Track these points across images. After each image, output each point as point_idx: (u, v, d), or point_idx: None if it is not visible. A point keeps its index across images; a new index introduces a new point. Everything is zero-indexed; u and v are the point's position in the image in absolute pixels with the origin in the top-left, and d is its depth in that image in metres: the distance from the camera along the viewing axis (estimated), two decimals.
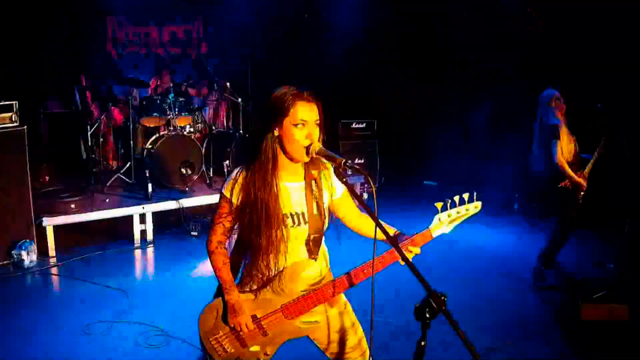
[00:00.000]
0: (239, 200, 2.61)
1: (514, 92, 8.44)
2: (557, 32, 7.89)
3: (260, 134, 2.58)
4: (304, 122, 2.49)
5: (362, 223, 2.84)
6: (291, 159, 2.59)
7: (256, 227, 2.56)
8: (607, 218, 6.71)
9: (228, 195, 2.62)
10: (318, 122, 2.54)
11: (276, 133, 2.54)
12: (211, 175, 8.24)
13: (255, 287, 2.71)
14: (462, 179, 8.51)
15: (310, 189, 2.66)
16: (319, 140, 2.53)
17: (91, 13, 9.29)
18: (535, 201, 7.81)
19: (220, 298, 2.70)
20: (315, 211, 2.66)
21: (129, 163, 8.08)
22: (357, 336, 2.84)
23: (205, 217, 7.51)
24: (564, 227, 5.60)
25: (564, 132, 5.45)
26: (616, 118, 5.39)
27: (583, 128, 5.61)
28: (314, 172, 2.68)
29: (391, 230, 2.67)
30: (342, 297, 2.85)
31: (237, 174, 2.62)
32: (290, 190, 2.64)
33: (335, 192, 2.75)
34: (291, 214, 2.62)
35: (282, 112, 2.50)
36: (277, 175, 2.59)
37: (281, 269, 2.64)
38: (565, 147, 5.45)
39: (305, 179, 2.67)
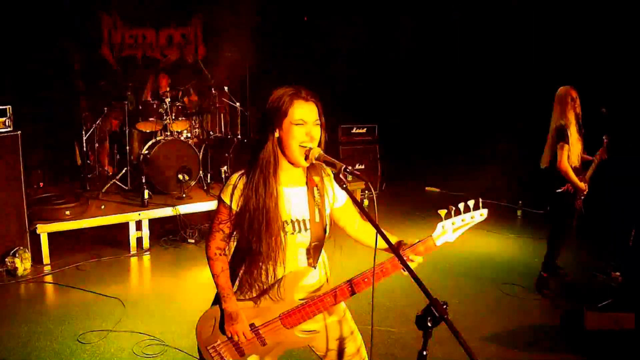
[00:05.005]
0: (238, 206, 2.55)
1: (518, 95, 8.40)
2: (563, 34, 7.85)
3: (261, 138, 2.54)
4: (303, 121, 2.45)
5: (364, 233, 2.78)
6: (292, 164, 2.54)
7: (256, 233, 2.50)
8: (609, 223, 6.65)
9: (227, 201, 2.57)
10: (318, 122, 2.50)
11: (277, 135, 2.49)
12: (208, 181, 8.19)
13: (253, 294, 2.65)
14: (465, 185, 8.47)
15: (312, 196, 2.62)
16: (321, 141, 2.50)
17: (87, 15, 9.25)
18: (538, 204, 7.78)
19: (219, 306, 2.65)
20: (317, 218, 2.60)
21: (124, 169, 8.04)
22: (356, 344, 2.79)
23: (202, 224, 7.44)
24: (561, 232, 5.53)
25: (573, 135, 5.34)
26: (621, 122, 5.31)
27: (588, 132, 5.52)
28: (316, 178, 2.63)
29: (393, 239, 2.59)
30: (341, 305, 2.79)
31: (236, 179, 2.57)
32: (291, 196, 2.59)
33: (337, 199, 2.71)
34: (292, 221, 2.57)
35: (280, 112, 2.46)
36: (278, 180, 2.53)
37: (280, 276, 2.59)
38: (573, 151, 5.34)
39: (306, 184, 2.63)
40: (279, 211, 2.52)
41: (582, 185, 5.38)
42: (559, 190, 5.39)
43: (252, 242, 2.52)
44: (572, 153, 5.32)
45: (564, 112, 5.36)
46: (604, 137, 5.49)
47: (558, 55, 7.96)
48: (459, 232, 2.53)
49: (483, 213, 2.53)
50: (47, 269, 6.32)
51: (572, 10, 7.75)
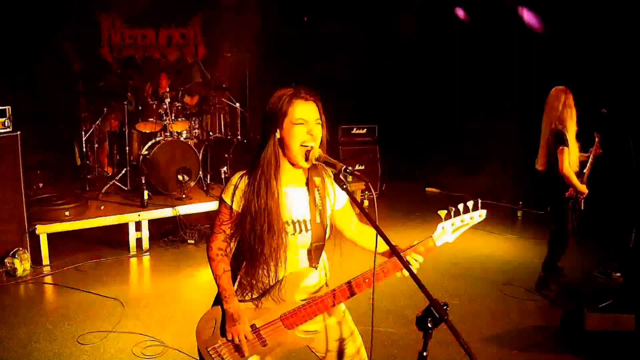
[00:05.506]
0: (240, 207, 2.55)
1: (518, 96, 8.39)
2: (561, 34, 7.84)
3: (262, 138, 2.55)
4: (303, 120, 2.46)
5: (361, 235, 2.80)
6: (293, 164, 2.54)
7: (258, 234, 2.51)
8: (609, 224, 6.64)
9: (228, 202, 2.57)
10: (319, 120, 2.51)
11: (278, 135, 2.50)
12: (208, 181, 8.17)
13: (254, 295, 2.65)
14: (465, 185, 8.48)
15: (313, 197, 2.61)
16: (322, 140, 2.51)
17: (87, 16, 9.24)
18: (538, 205, 7.76)
19: (219, 306, 2.64)
20: (317, 220, 2.60)
21: (124, 169, 8.02)
22: (355, 345, 2.79)
23: (202, 224, 7.43)
24: (563, 234, 5.51)
25: (571, 137, 5.28)
26: (619, 120, 5.28)
27: (588, 133, 5.49)
28: (317, 179, 2.63)
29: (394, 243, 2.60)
30: (341, 306, 2.79)
31: (237, 179, 2.58)
32: (292, 196, 2.59)
33: (337, 201, 2.71)
34: (292, 222, 2.57)
35: (281, 113, 2.47)
36: (279, 180, 2.53)
37: (281, 277, 2.59)
38: (572, 154, 5.28)
39: (307, 185, 2.62)
40: (280, 212, 2.52)
41: (584, 188, 5.35)
42: (566, 195, 5.33)
43: (253, 243, 2.52)
44: (571, 156, 5.26)
45: (560, 114, 5.28)
46: (595, 135, 5.46)
47: (557, 55, 7.94)
48: (458, 232, 2.55)
49: (482, 214, 2.55)
50: (47, 269, 6.29)
51: (570, 10, 7.73)
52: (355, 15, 10.23)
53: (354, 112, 9.87)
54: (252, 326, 2.60)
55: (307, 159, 2.46)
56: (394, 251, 2.28)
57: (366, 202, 8.82)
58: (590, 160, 5.50)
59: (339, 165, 2.34)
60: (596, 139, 5.46)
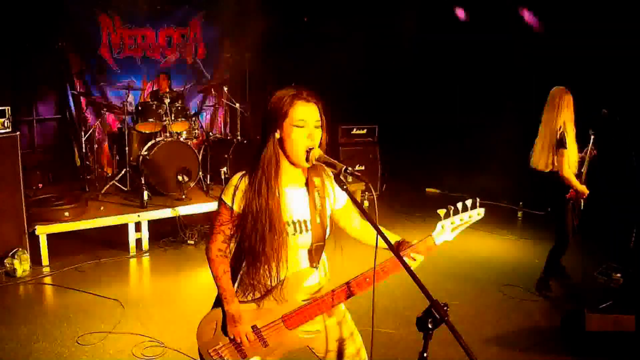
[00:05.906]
0: (240, 208, 2.55)
1: (518, 96, 8.38)
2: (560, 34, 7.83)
3: (262, 139, 2.54)
4: (303, 122, 2.45)
5: (364, 232, 2.79)
6: (293, 164, 2.54)
7: (260, 234, 2.50)
8: (610, 224, 6.63)
9: (229, 202, 2.56)
10: (319, 123, 2.50)
11: (277, 136, 2.49)
12: (208, 182, 8.16)
13: (255, 296, 2.64)
14: (465, 186, 8.47)
15: (312, 197, 2.61)
16: (321, 143, 2.50)
17: (87, 16, 9.24)
18: (538, 205, 7.75)
19: (220, 308, 2.64)
20: (317, 220, 2.61)
21: (124, 170, 8.01)
22: (355, 346, 2.78)
23: (202, 225, 7.41)
24: (564, 234, 5.49)
25: (571, 139, 5.24)
26: (619, 120, 5.27)
27: (587, 134, 5.46)
28: (317, 180, 2.63)
29: (396, 237, 2.61)
30: (341, 306, 2.79)
31: (238, 180, 2.57)
32: (292, 196, 2.59)
33: (338, 201, 2.72)
34: (293, 222, 2.57)
35: (281, 113, 2.46)
36: (279, 180, 2.52)
37: (282, 278, 2.58)
38: (572, 156, 5.25)
39: (307, 186, 2.62)
40: (281, 212, 2.52)
41: (585, 189, 5.32)
42: (567, 197, 5.31)
43: (254, 243, 2.52)
44: (570, 157, 5.22)
45: (560, 115, 5.23)
46: (590, 132, 5.42)
47: (557, 54, 7.93)
48: (457, 231, 2.55)
49: (480, 212, 2.55)
50: (46, 270, 6.29)
51: (570, 9, 7.73)
52: (356, 16, 10.22)
53: (354, 112, 9.86)
54: (254, 327, 2.59)
55: (307, 160, 2.45)
56: (393, 252, 2.28)
57: (366, 203, 8.81)
58: (586, 161, 5.47)
59: (339, 165, 2.34)
60: (591, 137, 5.42)
